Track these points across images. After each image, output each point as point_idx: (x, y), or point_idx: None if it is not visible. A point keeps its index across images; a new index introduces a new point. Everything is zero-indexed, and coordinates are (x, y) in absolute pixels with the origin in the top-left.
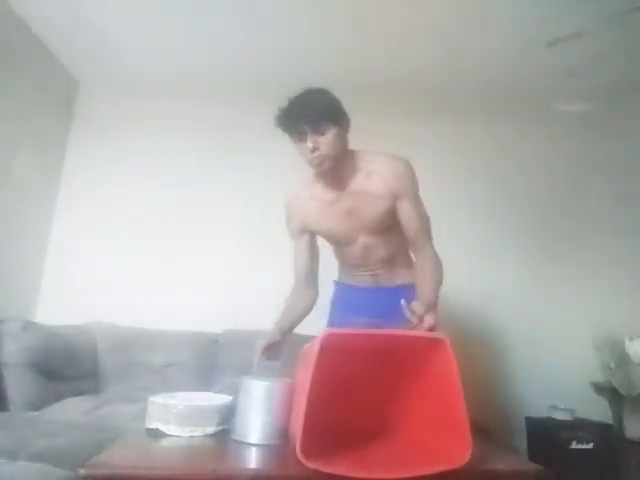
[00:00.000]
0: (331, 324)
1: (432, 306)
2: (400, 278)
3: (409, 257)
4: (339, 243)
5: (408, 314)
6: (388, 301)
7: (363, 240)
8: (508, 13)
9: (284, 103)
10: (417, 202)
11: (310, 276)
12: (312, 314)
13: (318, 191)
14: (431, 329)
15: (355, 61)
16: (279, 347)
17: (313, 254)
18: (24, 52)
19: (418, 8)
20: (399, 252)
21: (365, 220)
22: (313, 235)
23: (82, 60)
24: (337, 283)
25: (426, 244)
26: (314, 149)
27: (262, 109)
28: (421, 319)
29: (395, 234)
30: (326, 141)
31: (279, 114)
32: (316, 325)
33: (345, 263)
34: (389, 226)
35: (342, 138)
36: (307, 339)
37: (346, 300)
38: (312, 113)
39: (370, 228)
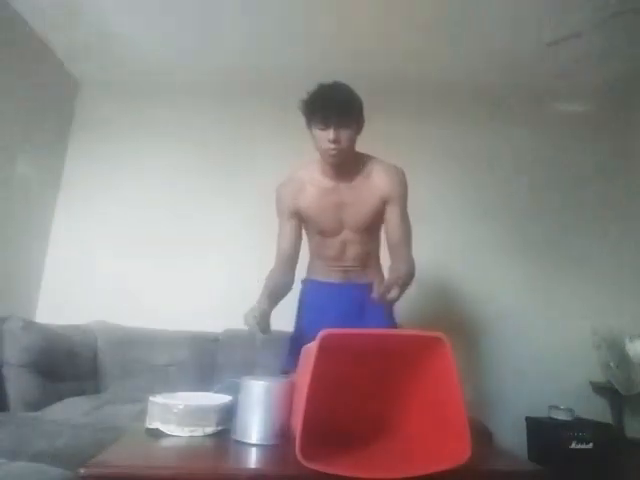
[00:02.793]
0: (302, 324)
1: (400, 283)
2: (370, 277)
3: (379, 260)
4: (323, 233)
5: (377, 287)
6: (358, 297)
7: (345, 234)
8: (508, 13)
9: (315, 89)
10: (405, 210)
11: (290, 260)
12: None
13: (318, 178)
14: (392, 300)
15: (355, 61)
16: (268, 318)
17: (297, 241)
18: (24, 52)
19: (417, 8)
20: (372, 253)
21: (353, 216)
22: (300, 222)
23: (82, 60)
24: (306, 281)
25: (404, 248)
26: (336, 140)
27: (263, 110)
28: (388, 289)
29: (373, 236)
30: (347, 136)
31: (310, 98)
32: None
33: (320, 256)
34: (371, 227)
35: (356, 136)
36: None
37: (316, 297)
38: (344, 105)
39: (355, 224)
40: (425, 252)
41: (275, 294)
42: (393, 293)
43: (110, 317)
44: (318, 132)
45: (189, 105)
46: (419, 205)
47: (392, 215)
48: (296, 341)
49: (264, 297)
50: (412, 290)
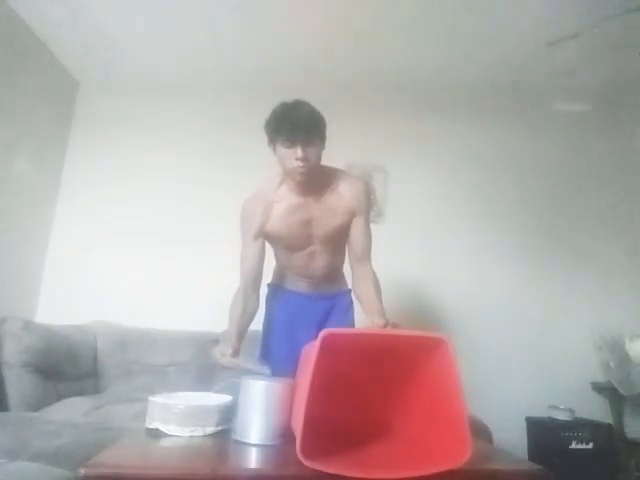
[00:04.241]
0: (272, 331)
1: (383, 314)
2: (335, 287)
3: (341, 270)
4: (291, 248)
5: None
6: (325, 307)
7: (313, 247)
8: (508, 13)
9: (279, 108)
10: (368, 222)
11: (255, 282)
12: None
13: (285, 195)
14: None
15: (354, 61)
16: (238, 354)
17: (261, 261)
18: (24, 52)
19: (417, 8)
20: (336, 264)
21: (321, 230)
22: (265, 241)
23: (82, 60)
24: (274, 287)
25: (368, 260)
26: (304, 159)
27: (262, 109)
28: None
29: (339, 248)
30: (315, 152)
31: (275, 117)
32: None
33: (287, 267)
34: (338, 240)
35: (321, 152)
36: None
37: (285, 305)
38: (310, 124)
39: (323, 238)
40: (425, 252)
41: (243, 327)
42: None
43: (110, 317)
44: (284, 150)
45: (188, 103)
46: (420, 205)
47: (357, 227)
48: (266, 347)
49: (233, 335)
50: (412, 289)
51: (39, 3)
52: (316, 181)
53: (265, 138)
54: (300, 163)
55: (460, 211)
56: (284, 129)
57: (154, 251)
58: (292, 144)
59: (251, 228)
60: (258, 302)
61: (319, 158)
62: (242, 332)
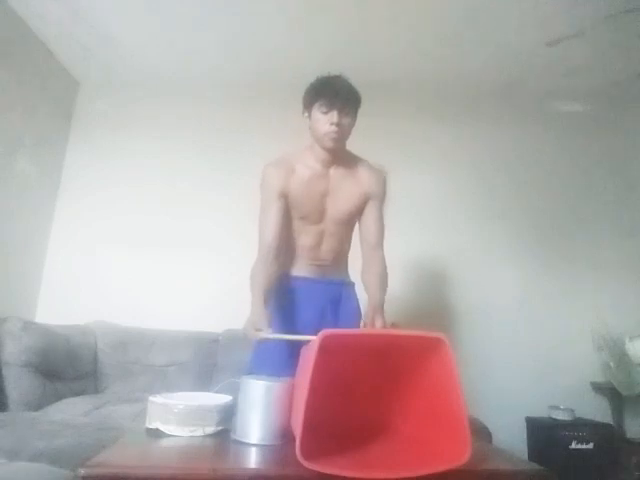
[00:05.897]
0: (274, 322)
1: (380, 309)
2: (340, 275)
3: (347, 260)
4: (305, 219)
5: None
6: (333, 293)
7: (325, 224)
8: (508, 13)
9: (320, 77)
10: (382, 210)
11: (279, 248)
12: None
13: (308, 164)
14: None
15: (355, 61)
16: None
17: (282, 227)
18: (24, 52)
19: (418, 8)
20: (343, 251)
21: (335, 206)
22: (286, 205)
23: (82, 60)
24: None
25: (381, 247)
26: (339, 124)
27: (262, 109)
28: (372, 322)
29: (347, 234)
30: (348, 123)
31: (316, 82)
32: None
33: (296, 245)
34: (349, 222)
35: (351, 129)
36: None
37: (289, 293)
38: (349, 94)
39: (336, 215)
40: (425, 253)
41: (268, 295)
42: (378, 323)
43: (110, 317)
44: (320, 115)
45: (188, 104)
46: (421, 205)
47: (371, 212)
48: (265, 342)
49: (260, 305)
50: (412, 290)
51: (39, 3)
52: (340, 156)
53: (262, 137)
54: (334, 128)
55: (460, 212)
56: (325, 93)
57: (154, 251)
58: (329, 109)
59: (273, 189)
60: (277, 270)
61: (350, 132)
62: (267, 300)
